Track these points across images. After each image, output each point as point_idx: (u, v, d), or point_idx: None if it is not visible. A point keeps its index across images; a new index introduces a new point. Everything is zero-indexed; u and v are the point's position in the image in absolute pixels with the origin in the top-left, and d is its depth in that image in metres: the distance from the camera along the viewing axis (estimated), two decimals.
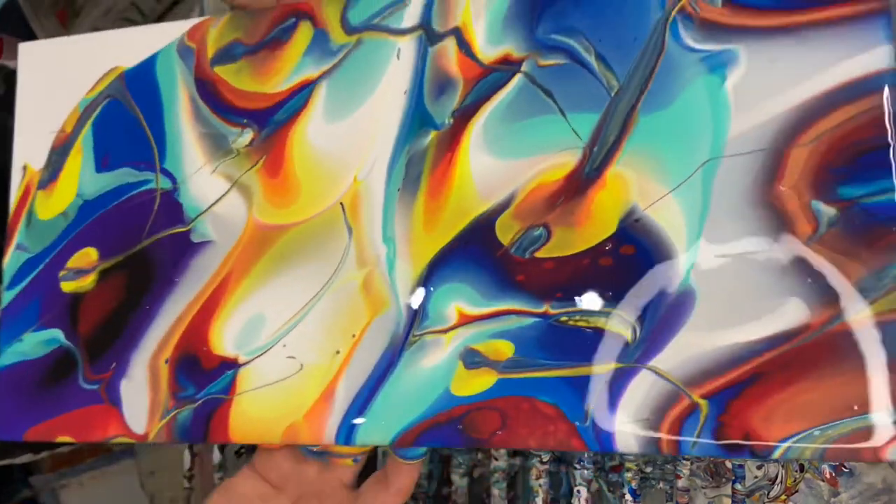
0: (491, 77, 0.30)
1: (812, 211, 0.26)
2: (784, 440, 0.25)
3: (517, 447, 0.27)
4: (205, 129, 0.33)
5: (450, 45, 0.31)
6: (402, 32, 0.31)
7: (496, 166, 0.29)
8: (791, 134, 0.26)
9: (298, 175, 0.32)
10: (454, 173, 0.30)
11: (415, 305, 0.29)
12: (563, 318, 0.28)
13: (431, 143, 0.30)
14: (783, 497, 0.36)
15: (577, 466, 0.37)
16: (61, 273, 0.34)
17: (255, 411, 0.30)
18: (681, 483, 0.36)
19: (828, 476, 0.37)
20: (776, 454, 0.25)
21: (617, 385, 0.27)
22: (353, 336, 0.30)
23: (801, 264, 0.26)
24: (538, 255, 0.28)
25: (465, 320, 0.29)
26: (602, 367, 0.27)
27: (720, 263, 0.26)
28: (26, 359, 0.34)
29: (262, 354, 0.31)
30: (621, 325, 0.27)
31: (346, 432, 0.29)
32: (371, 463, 0.34)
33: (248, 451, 0.47)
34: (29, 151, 0.36)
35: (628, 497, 0.37)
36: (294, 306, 0.31)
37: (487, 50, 0.30)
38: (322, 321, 0.30)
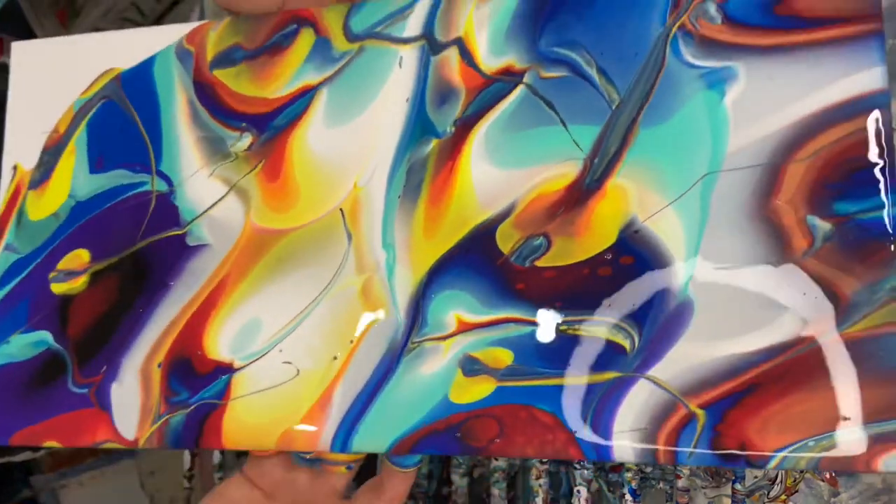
0: (493, 87, 0.30)
1: (808, 226, 0.26)
2: (779, 450, 0.25)
3: (515, 455, 0.28)
4: (203, 132, 0.33)
5: (452, 54, 0.31)
6: (405, 41, 0.31)
7: (497, 175, 0.29)
8: (788, 150, 0.27)
9: (298, 180, 0.32)
10: (455, 181, 0.30)
11: (406, 314, 0.29)
12: (563, 328, 0.28)
13: (433, 151, 0.30)
14: (783, 497, 0.36)
15: (577, 466, 0.37)
16: (52, 274, 0.33)
17: (249, 417, 0.30)
18: (681, 483, 0.36)
19: (828, 476, 0.37)
20: (772, 464, 0.25)
21: (615, 394, 0.27)
22: (351, 342, 0.30)
23: (796, 277, 0.26)
24: (538, 264, 0.28)
25: (465, 328, 0.29)
26: (600, 377, 0.27)
27: (718, 275, 0.27)
28: (14, 361, 0.33)
29: (257, 359, 0.30)
30: (620, 334, 0.27)
31: (343, 439, 0.29)
32: (372, 470, 0.34)
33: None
34: (20, 151, 0.36)
35: (628, 497, 0.37)
36: (291, 311, 0.30)
37: (490, 61, 0.30)
38: (320, 326, 0.30)
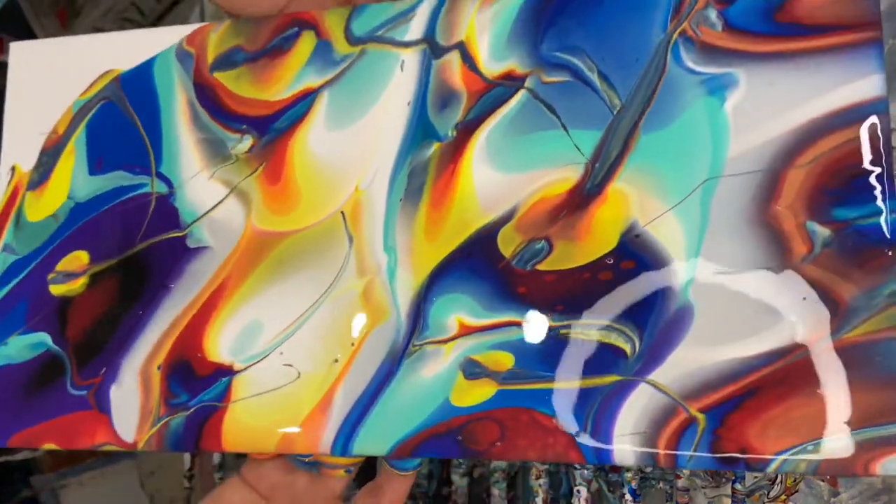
0: (495, 91, 0.30)
1: (807, 231, 0.27)
2: (779, 454, 0.25)
3: (516, 459, 0.28)
4: (203, 134, 0.33)
5: (454, 58, 0.31)
6: (407, 45, 0.32)
7: (499, 179, 0.30)
8: (788, 156, 0.27)
9: (299, 183, 0.32)
10: (457, 185, 0.30)
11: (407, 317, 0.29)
12: (563, 331, 0.28)
13: (434, 155, 0.30)
14: (783, 497, 0.36)
15: (577, 467, 0.37)
16: (50, 276, 0.33)
17: (249, 419, 0.30)
18: (681, 483, 0.36)
19: (828, 476, 0.38)
20: (771, 467, 0.26)
21: (615, 398, 0.27)
22: (352, 345, 0.30)
23: (796, 283, 0.26)
24: (539, 267, 0.29)
25: (466, 331, 0.29)
26: (601, 380, 0.27)
27: (718, 280, 0.27)
28: (12, 363, 0.33)
29: (258, 362, 0.30)
30: (620, 338, 0.27)
31: (343, 442, 0.29)
32: (371, 472, 0.34)
33: None
34: (18, 152, 0.36)
35: (628, 497, 0.37)
36: (292, 314, 0.30)
37: (491, 65, 0.31)
38: (321, 329, 0.30)
